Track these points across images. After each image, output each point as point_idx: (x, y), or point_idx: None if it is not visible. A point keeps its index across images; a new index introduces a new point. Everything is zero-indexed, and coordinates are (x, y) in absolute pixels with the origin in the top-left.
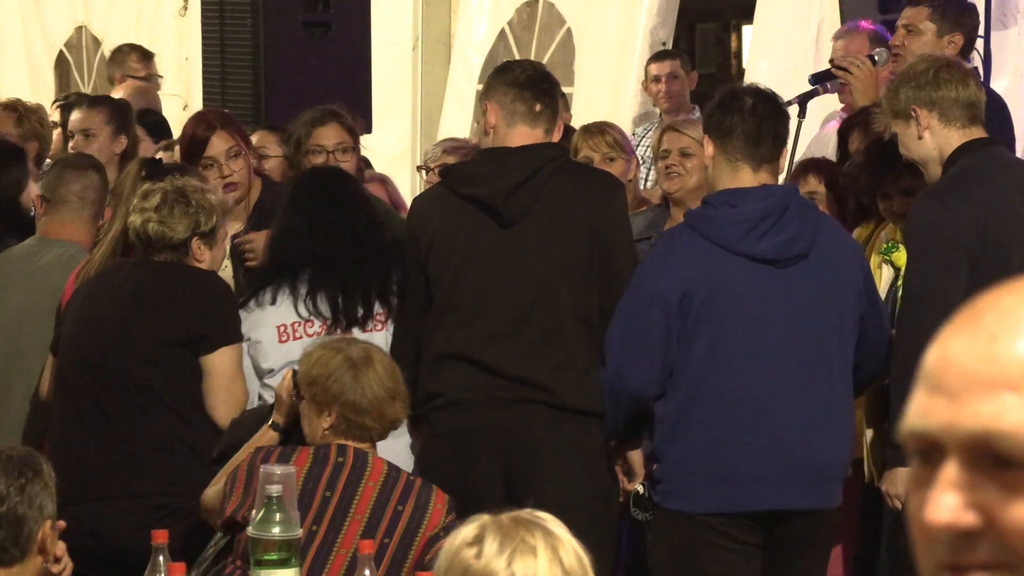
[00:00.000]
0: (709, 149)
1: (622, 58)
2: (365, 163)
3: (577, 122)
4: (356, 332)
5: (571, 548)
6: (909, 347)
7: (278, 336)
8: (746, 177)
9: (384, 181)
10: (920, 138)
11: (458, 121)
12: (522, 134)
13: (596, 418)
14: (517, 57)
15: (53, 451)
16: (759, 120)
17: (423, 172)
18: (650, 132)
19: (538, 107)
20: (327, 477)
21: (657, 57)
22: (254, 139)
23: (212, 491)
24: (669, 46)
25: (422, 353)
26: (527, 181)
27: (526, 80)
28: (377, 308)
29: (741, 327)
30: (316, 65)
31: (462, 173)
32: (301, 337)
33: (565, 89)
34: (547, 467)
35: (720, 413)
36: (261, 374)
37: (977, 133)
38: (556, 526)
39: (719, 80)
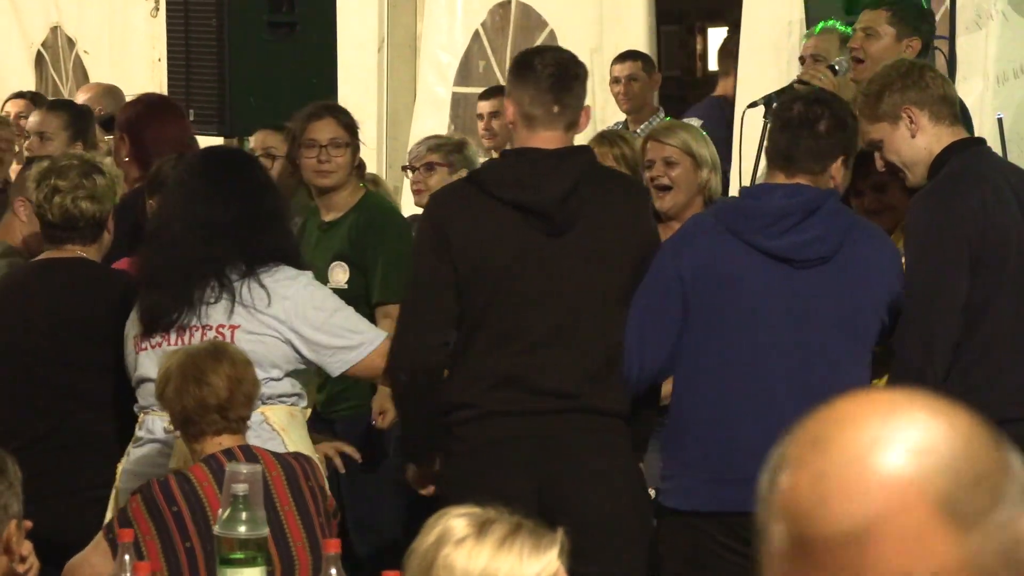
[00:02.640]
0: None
1: (605, 60)
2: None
3: None
4: (166, 346)
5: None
6: (915, 349)
7: (134, 348)
8: (780, 178)
9: (376, 183)
10: (913, 137)
11: (431, 123)
12: (543, 138)
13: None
14: (492, 59)
15: None
16: (794, 133)
17: (409, 172)
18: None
19: (556, 109)
20: None
21: (618, 59)
22: (257, 139)
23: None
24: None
25: (452, 360)
26: (575, 189)
27: (546, 80)
28: (224, 320)
29: (749, 324)
30: (281, 66)
31: (500, 176)
32: (146, 349)
33: None
34: (583, 479)
35: (721, 410)
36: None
37: (962, 132)
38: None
39: (683, 83)
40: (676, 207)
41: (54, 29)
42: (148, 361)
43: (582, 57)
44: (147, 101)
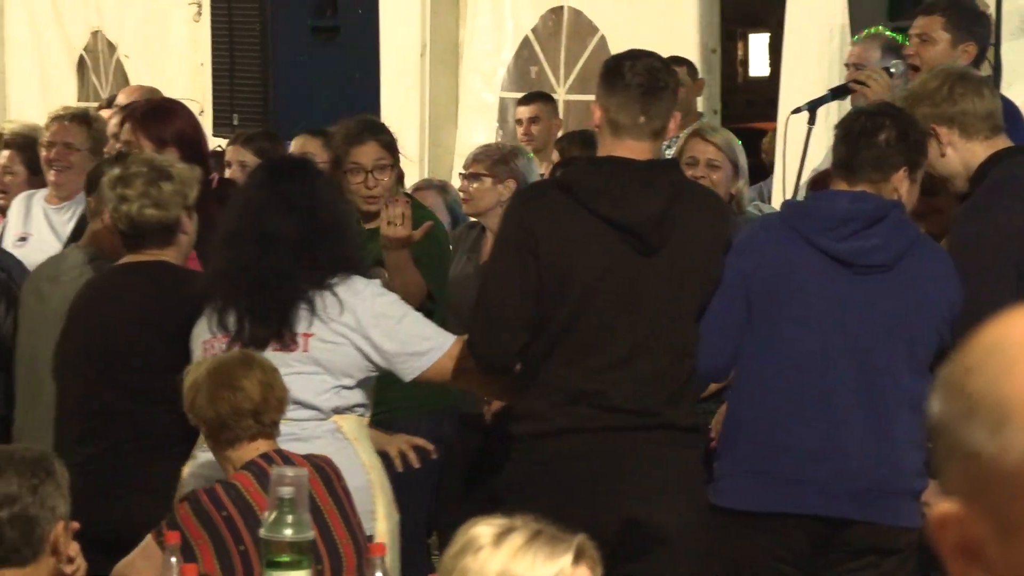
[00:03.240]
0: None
1: None
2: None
3: None
4: (269, 352)
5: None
6: None
7: (203, 352)
8: (842, 187)
9: (444, 188)
10: (943, 155)
11: (477, 130)
12: (629, 146)
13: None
14: (545, 65)
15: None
16: (855, 143)
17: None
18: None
19: (643, 119)
20: None
21: None
22: (296, 145)
23: (143, 562)
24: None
25: (525, 369)
26: (668, 209)
27: (635, 89)
28: (298, 328)
29: (807, 325)
30: (324, 70)
31: (592, 187)
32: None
33: None
34: (650, 497)
35: (779, 412)
36: None
37: (1002, 143)
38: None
39: (724, 88)
40: None
41: (95, 34)
42: None
43: None
44: (179, 107)
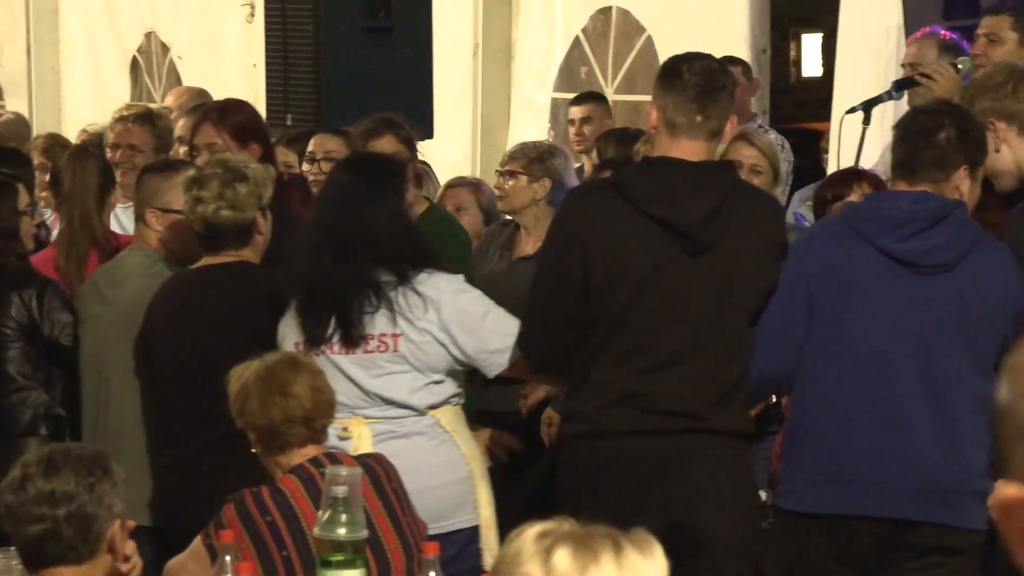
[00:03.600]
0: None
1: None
2: (426, 167)
3: None
4: (331, 355)
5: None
6: None
7: None
8: (903, 187)
9: (477, 186)
10: (997, 151)
11: (529, 130)
12: (685, 147)
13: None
14: (595, 65)
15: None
16: (914, 142)
17: (507, 178)
18: None
19: (699, 118)
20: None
21: None
22: (316, 143)
23: (193, 564)
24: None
25: (572, 372)
26: (718, 209)
27: (691, 89)
28: (386, 329)
29: (869, 326)
30: (377, 71)
31: (644, 187)
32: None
33: (650, 98)
34: (697, 500)
35: (842, 413)
36: None
37: None
38: (632, 545)
39: (776, 89)
40: None
41: (148, 35)
42: None
43: None
44: (242, 104)
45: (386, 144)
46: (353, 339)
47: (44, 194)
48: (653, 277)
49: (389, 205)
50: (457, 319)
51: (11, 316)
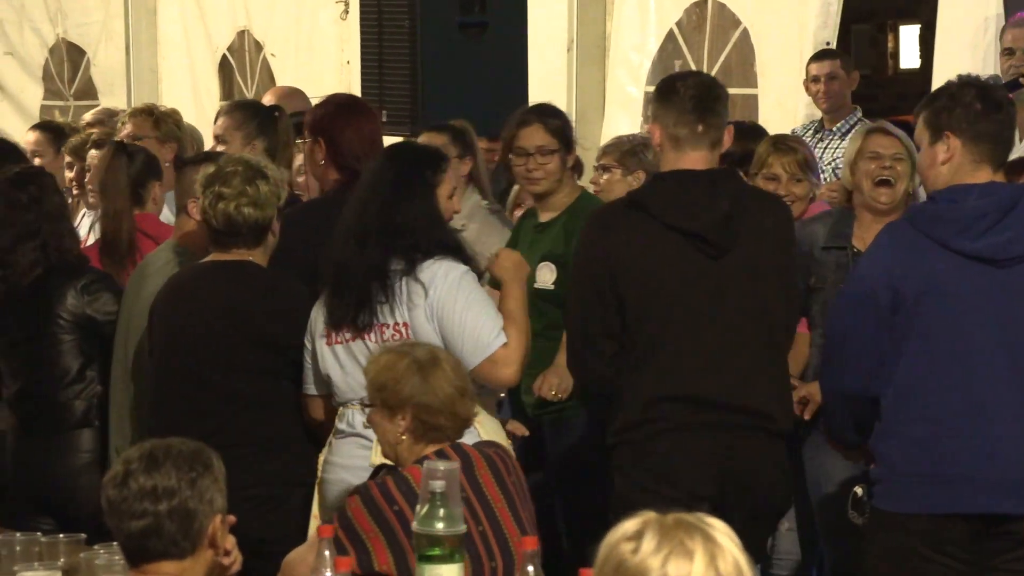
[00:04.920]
0: (955, 142)
1: (801, 59)
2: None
3: (765, 124)
4: (350, 344)
5: (731, 557)
6: None
7: (325, 343)
8: (983, 176)
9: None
10: None
11: (623, 124)
12: (690, 158)
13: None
14: (689, 58)
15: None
16: (1004, 126)
17: (603, 171)
18: (809, 132)
19: (701, 128)
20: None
21: (816, 57)
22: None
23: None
24: (833, 46)
25: (622, 386)
26: (733, 212)
27: (689, 102)
28: (398, 317)
29: (953, 325)
30: (472, 66)
31: (662, 201)
32: (331, 344)
33: (748, 91)
34: (759, 493)
35: (932, 412)
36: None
37: None
38: (720, 533)
39: (873, 81)
40: (893, 201)
41: (241, 33)
42: (331, 357)
43: (774, 56)
44: (338, 102)
45: (534, 133)
46: (369, 326)
47: (78, 192)
48: (687, 285)
49: (417, 196)
50: (440, 307)
51: (67, 308)
